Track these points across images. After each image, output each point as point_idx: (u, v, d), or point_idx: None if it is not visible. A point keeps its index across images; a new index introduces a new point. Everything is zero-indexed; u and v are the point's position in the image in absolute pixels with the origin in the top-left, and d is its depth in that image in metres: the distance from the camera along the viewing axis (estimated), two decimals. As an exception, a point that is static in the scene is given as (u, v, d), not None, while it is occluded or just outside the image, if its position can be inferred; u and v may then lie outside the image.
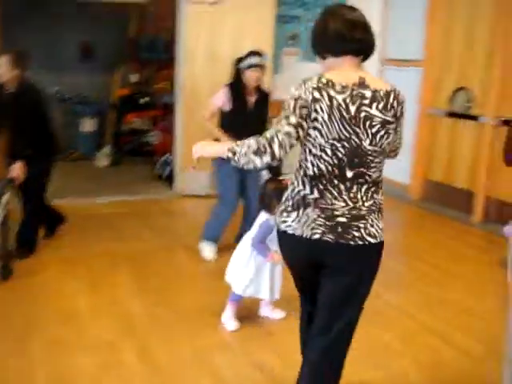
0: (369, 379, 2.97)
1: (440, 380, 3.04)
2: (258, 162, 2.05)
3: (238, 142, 2.10)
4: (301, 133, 2.06)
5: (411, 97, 6.54)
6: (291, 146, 2.05)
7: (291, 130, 2.03)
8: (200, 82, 6.05)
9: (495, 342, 3.39)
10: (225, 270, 3.51)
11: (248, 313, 3.62)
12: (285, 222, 2.18)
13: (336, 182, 2.11)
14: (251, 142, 2.05)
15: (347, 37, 2.12)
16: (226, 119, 4.43)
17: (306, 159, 2.13)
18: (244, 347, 3.24)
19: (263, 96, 4.51)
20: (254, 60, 4.30)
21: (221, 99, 4.40)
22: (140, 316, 3.54)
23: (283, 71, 6.56)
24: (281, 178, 3.44)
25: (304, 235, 2.13)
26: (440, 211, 6.08)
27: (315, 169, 2.11)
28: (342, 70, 2.14)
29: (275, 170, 6.18)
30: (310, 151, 2.11)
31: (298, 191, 2.16)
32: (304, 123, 2.05)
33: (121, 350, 3.13)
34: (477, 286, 4.28)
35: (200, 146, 2.27)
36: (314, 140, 2.09)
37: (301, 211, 2.14)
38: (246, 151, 2.06)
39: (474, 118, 5.80)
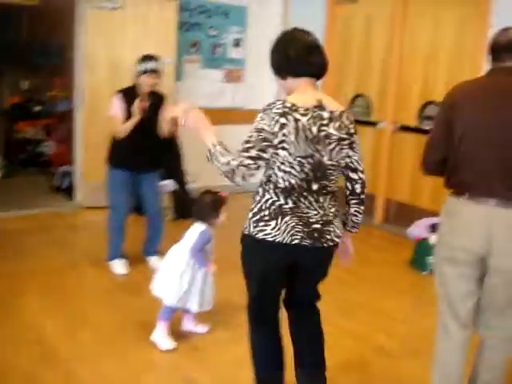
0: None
1: (367, 382, 3.13)
2: (221, 172, 2.26)
3: (218, 148, 2.27)
4: (260, 163, 2.26)
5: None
6: (251, 175, 2.26)
7: (250, 162, 2.23)
8: (102, 89, 5.84)
9: (415, 340, 3.57)
10: (139, 283, 3.41)
11: (171, 328, 3.54)
12: (263, 230, 2.34)
13: (305, 194, 2.35)
14: (223, 161, 2.24)
15: (307, 61, 2.37)
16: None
17: (276, 174, 2.32)
18: (171, 364, 3.17)
19: (158, 100, 4.36)
20: (149, 65, 4.17)
21: (117, 108, 4.22)
22: (58, 340, 3.34)
23: (185, 78, 6.49)
24: (216, 190, 3.47)
25: (284, 241, 2.33)
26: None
27: (286, 183, 2.32)
28: (301, 92, 2.36)
29: (180, 178, 6.13)
30: (279, 168, 2.31)
31: (273, 202, 2.35)
32: (264, 154, 2.25)
33: (44, 381, 2.93)
34: (390, 287, 4.46)
35: (193, 118, 2.40)
36: (283, 158, 2.29)
37: (279, 220, 2.33)
38: (217, 165, 2.26)
39: (372, 123, 6.06)
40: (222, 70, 6.81)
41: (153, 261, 4.50)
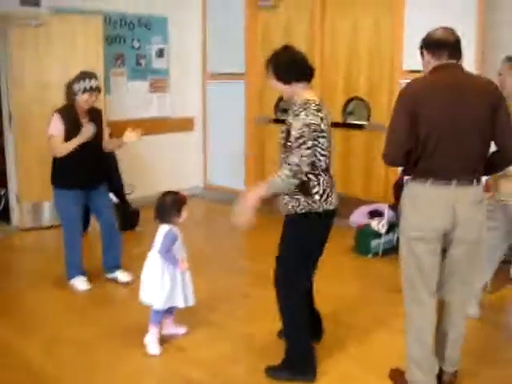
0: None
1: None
2: (295, 182, 2.92)
3: (274, 178, 2.93)
4: (314, 149, 2.92)
5: (238, 108, 6.98)
6: (312, 163, 2.94)
7: (310, 152, 2.90)
8: (31, 109, 5.76)
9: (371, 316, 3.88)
10: (104, 296, 3.49)
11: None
12: (327, 201, 3.04)
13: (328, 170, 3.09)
14: (285, 172, 2.89)
15: (308, 68, 3.08)
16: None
17: (319, 159, 2.98)
18: (165, 367, 3.29)
19: (96, 114, 4.40)
20: (90, 83, 4.19)
21: (57, 128, 4.21)
22: (42, 361, 3.34)
23: (113, 91, 6.53)
24: (175, 190, 3.63)
25: (335, 207, 3.10)
26: (273, 212, 6.47)
27: (323, 163, 3.01)
28: (309, 92, 3.06)
29: (119, 190, 6.16)
30: (320, 153, 2.97)
31: (323, 180, 3.03)
32: (316, 142, 2.92)
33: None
34: (340, 272, 4.77)
35: (242, 211, 2.98)
36: (323, 144, 2.97)
37: (329, 191, 3.05)
38: (283, 179, 2.89)
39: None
40: (148, 81, 6.90)
41: (119, 275, 4.52)
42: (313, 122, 2.88)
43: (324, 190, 3.02)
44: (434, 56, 2.77)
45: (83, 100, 4.21)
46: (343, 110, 6.15)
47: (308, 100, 2.96)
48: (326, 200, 3.02)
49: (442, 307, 2.95)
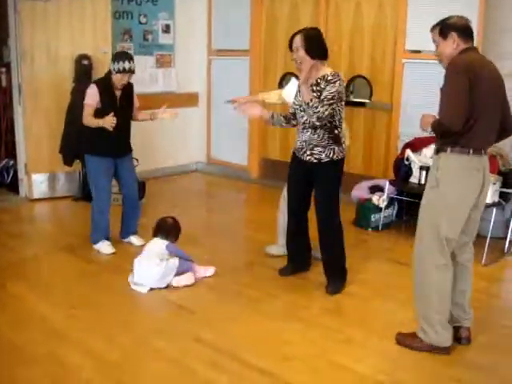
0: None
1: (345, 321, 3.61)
2: (316, 126, 3.79)
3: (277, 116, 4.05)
4: (340, 109, 3.81)
5: (242, 84, 7.10)
6: (338, 120, 3.80)
7: (331, 112, 3.73)
8: (41, 82, 5.89)
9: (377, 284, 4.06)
10: (121, 263, 3.81)
11: (162, 300, 3.85)
12: (343, 151, 3.91)
13: None
14: (313, 119, 3.76)
15: (327, 48, 3.83)
16: (98, 116, 4.44)
17: (339, 119, 3.82)
18: (176, 328, 3.46)
19: (128, 88, 4.64)
20: (126, 66, 4.40)
21: (91, 98, 4.45)
22: (61, 320, 3.53)
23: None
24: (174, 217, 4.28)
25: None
26: (277, 186, 6.62)
27: (340, 121, 3.84)
28: (327, 68, 3.80)
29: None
30: (339, 113, 3.79)
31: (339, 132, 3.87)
32: (340, 104, 3.78)
33: (64, 355, 3.15)
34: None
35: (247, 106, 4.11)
36: (342, 106, 3.81)
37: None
38: (310, 121, 3.81)
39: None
40: (154, 56, 7.00)
41: (133, 239, 4.82)
42: (341, 90, 3.73)
43: (343, 141, 3.90)
44: (463, 40, 3.01)
45: (117, 79, 4.46)
46: (346, 88, 6.26)
47: (336, 72, 3.76)
48: (343, 148, 3.91)
49: (456, 267, 3.18)
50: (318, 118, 3.69)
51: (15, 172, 6.34)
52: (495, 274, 4.46)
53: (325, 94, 3.69)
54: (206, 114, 7.70)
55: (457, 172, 3.00)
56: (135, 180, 4.86)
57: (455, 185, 3.00)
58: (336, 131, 3.82)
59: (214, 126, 7.69)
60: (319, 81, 3.76)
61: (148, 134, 7.04)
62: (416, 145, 5.35)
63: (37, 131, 6.01)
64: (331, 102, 3.68)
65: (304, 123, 3.83)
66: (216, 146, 7.73)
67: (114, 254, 4.62)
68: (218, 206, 6.50)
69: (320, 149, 3.82)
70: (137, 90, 6.80)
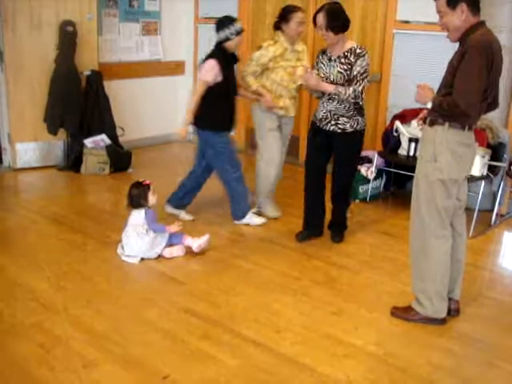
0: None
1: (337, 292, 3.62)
2: (350, 102, 3.98)
3: (339, 88, 3.94)
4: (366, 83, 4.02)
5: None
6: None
7: (368, 84, 4.02)
8: (24, 49, 5.72)
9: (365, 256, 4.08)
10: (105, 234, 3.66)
11: (152, 271, 3.83)
12: (365, 122, 4.14)
13: None
14: (349, 92, 3.90)
15: (349, 19, 3.96)
16: (219, 89, 4.31)
17: (362, 91, 3.96)
18: (166, 299, 3.44)
19: (235, 57, 4.54)
20: (239, 25, 4.30)
21: (214, 73, 4.26)
22: (49, 292, 3.49)
23: (105, 33, 6.49)
24: (141, 180, 4.10)
25: None
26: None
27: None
28: (350, 41, 4.04)
29: (112, 133, 6.20)
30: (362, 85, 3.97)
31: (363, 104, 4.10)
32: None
33: (53, 325, 3.13)
34: (327, 216, 4.92)
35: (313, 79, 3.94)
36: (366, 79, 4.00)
37: None
38: (346, 95, 3.92)
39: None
40: (140, 24, 6.85)
41: (182, 214, 4.78)
42: (369, 63, 3.96)
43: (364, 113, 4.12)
44: (472, 12, 2.92)
45: (237, 42, 4.35)
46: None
47: (361, 46, 4.01)
48: (365, 120, 4.14)
49: (453, 237, 3.20)
50: (355, 96, 3.92)
51: (-1, 141, 6.21)
52: (482, 247, 4.50)
53: (358, 69, 3.90)
54: (193, 82, 7.58)
55: (455, 147, 2.98)
56: None
57: (453, 160, 2.99)
58: (360, 102, 4.01)
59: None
60: (346, 53, 3.95)
61: (134, 102, 6.95)
62: (405, 116, 5.33)
63: (20, 99, 5.87)
64: (364, 75, 3.91)
65: (330, 94, 3.96)
66: (202, 115, 7.62)
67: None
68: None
69: (345, 119, 4.01)
70: (122, 58, 6.76)
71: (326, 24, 3.86)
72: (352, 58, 3.92)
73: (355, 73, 3.90)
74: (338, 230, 4.43)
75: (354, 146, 4.16)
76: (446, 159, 2.98)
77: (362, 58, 3.91)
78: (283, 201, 5.14)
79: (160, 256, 3.97)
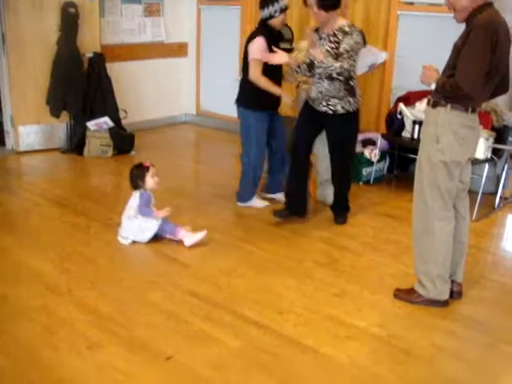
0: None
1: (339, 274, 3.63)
2: (338, 79, 3.93)
3: (331, 60, 3.84)
4: (356, 61, 3.94)
5: (233, 34, 6.95)
6: (353, 71, 3.94)
7: (354, 63, 3.90)
8: (26, 31, 5.70)
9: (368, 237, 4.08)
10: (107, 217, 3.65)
11: (155, 254, 3.84)
12: (358, 102, 4.08)
13: None
14: (336, 66, 3.79)
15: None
16: (264, 68, 4.26)
17: (354, 70, 3.94)
18: (170, 282, 3.45)
19: (281, 36, 4.53)
20: (284, 3, 4.22)
21: (263, 52, 4.20)
22: (54, 275, 3.50)
23: (108, 14, 6.45)
24: (141, 162, 4.09)
25: None
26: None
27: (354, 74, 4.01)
28: (341, 19, 3.95)
29: (115, 115, 6.19)
30: (354, 67, 3.91)
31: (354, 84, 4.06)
32: (357, 56, 3.92)
33: (57, 307, 3.14)
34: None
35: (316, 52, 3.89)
36: (357, 58, 3.92)
37: None
38: (334, 68, 3.80)
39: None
40: (142, 5, 6.80)
41: (279, 196, 4.78)
42: (359, 41, 3.87)
43: (359, 93, 4.08)
44: None
45: (281, 20, 4.29)
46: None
47: (353, 24, 3.96)
48: (359, 100, 4.08)
49: (456, 220, 3.19)
50: (341, 73, 3.83)
51: (1, 124, 6.19)
52: (485, 229, 4.49)
53: (344, 46, 3.84)
54: (196, 64, 7.54)
55: (457, 129, 2.96)
56: (284, 134, 4.68)
57: (455, 142, 2.97)
58: (351, 82, 3.98)
59: (203, 77, 7.54)
60: (336, 32, 3.91)
61: (136, 85, 6.92)
62: (409, 98, 5.30)
63: (22, 82, 5.85)
64: (351, 54, 3.83)
65: (320, 74, 3.89)
66: (206, 97, 7.61)
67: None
68: (206, 157, 6.47)
69: (336, 100, 4.00)
70: (124, 39, 6.72)
71: (317, 2, 3.81)
72: (340, 37, 3.89)
73: (341, 50, 3.84)
74: (341, 212, 4.44)
75: (348, 128, 4.14)
76: (448, 140, 2.96)
77: (349, 36, 3.85)
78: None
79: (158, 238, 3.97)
